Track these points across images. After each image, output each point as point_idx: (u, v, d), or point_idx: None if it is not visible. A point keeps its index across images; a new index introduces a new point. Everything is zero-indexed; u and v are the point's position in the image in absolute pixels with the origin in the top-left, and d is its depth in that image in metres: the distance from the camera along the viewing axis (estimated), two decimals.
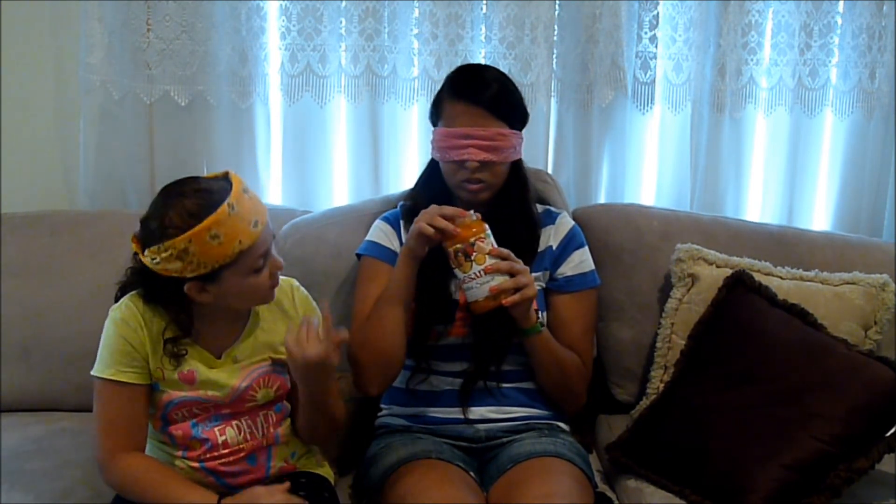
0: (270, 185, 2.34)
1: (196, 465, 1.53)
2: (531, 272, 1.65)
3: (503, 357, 1.76)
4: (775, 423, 1.68)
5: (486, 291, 1.58)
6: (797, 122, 2.38)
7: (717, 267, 1.98)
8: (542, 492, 1.54)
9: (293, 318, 1.58)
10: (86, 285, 2.02)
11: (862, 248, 2.14)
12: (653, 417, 1.87)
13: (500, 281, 1.58)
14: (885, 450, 1.64)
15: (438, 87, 1.79)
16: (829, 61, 2.34)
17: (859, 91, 2.34)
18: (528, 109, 1.78)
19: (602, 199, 2.37)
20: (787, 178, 2.42)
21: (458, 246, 1.59)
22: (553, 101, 2.31)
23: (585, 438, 1.94)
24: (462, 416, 1.75)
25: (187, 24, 2.15)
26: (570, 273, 1.80)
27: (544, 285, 1.80)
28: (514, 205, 1.78)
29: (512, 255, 1.61)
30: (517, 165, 1.78)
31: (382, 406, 1.85)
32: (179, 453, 1.54)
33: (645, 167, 2.41)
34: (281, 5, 2.19)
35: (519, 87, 1.77)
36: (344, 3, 2.20)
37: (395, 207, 1.88)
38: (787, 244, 2.12)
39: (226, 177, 1.45)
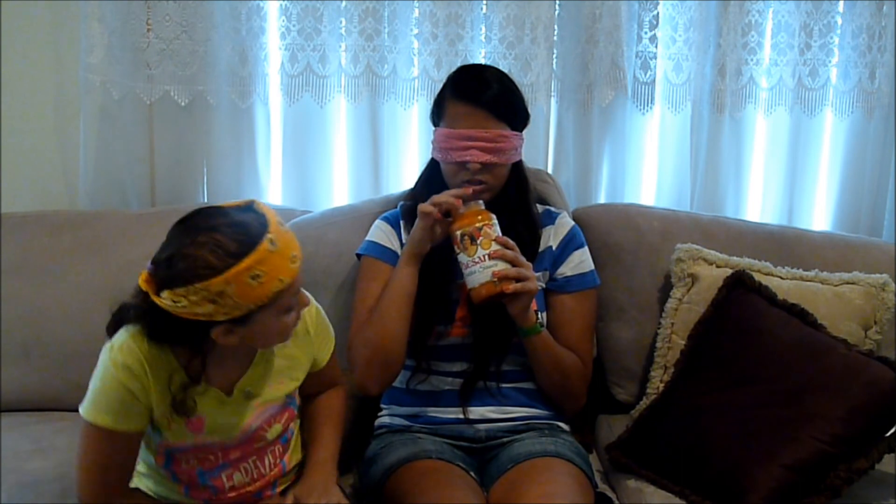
0: (270, 185, 2.34)
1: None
2: None
3: (503, 357, 1.76)
4: (775, 423, 1.68)
5: (489, 276, 1.58)
6: (797, 122, 2.39)
7: (717, 267, 1.98)
8: (542, 492, 1.54)
9: (305, 338, 1.49)
10: (86, 285, 2.02)
11: (862, 248, 2.14)
12: (653, 417, 1.87)
13: (503, 267, 1.58)
14: (885, 450, 1.64)
15: (438, 87, 1.79)
16: (829, 61, 2.34)
17: (859, 91, 2.35)
18: (529, 109, 1.78)
19: (602, 199, 2.37)
20: (786, 178, 2.42)
21: (466, 229, 1.60)
22: (553, 101, 2.31)
23: (585, 438, 1.94)
24: (462, 416, 1.75)
25: (187, 24, 2.15)
26: (569, 273, 1.80)
27: (544, 285, 1.80)
28: (515, 205, 1.77)
29: (517, 247, 1.62)
30: (518, 166, 1.78)
31: (382, 406, 1.85)
32: (182, 490, 1.46)
33: (645, 167, 2.41)
34: (281, 5, 2.19)
35: (519, 87, 1.77)
36: (344, 3, 2.20)
37: (395, 207, 1.88)
38: (787, 244, 2.12)
39: (251, 206, 1.30)
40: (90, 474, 1.37)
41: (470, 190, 1.66)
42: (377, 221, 1.85)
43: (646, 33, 2.29)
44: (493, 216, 1.63)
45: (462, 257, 1.61)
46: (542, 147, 2.31)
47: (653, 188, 2.42)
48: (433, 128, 1.77)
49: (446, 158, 1.71)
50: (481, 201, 1.64)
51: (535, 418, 1.78)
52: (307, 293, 1.42)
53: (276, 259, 1.24)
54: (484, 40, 2.25)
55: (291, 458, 1.55)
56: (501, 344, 1.75)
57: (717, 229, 2.12)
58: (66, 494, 1.66)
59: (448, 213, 1.63)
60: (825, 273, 2.01)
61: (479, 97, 1.69)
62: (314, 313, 1.52)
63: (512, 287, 1.58)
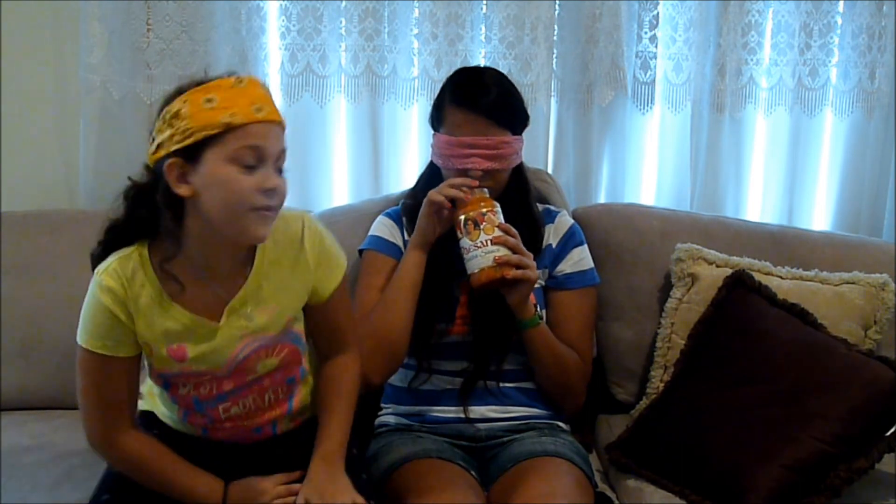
0: None
1: (199, 433, 1.49)
2: None
3: (504, 356, 1.76)
4: (775, 423, 1.68)
5: (490, 261, 1.59)
6: (797, 122, 2.39)
7: (717, 267, 1.98)
8: (541, 491, 1.54)
9: (304, 266, 1.43)
10: (86, 285, 1.99)
11: (862, 248, 2.14)
12: (653, 417, 1.87)
13: (504, 253, 1.59)
14: (885, 450, 1.64)
15: (438, 87, 1.78)
16: (829, 61, 2.34)
17: (859, 91, 2.35)
18: (529, 109, 1.78)
19: (602, 199, 2.37)
20: (786, 178, 2.42)
21: (470, 214, 1.61)
22: (553, 101, 2.31)
23: (585, 438, 1.94)
24: (463, 416, 1.75)
25: (187, 24, 2.15)
26: (568, 270, 1.80)
27: (544, 283, 1.80)
28: (516, 206, 1.77)
29: (519, 236, 1.62)
30: (518, 167, 1.78)
31: (383, 405, 1.85)
32: (180, 414, 1.48)
33: (645, 167, 2.41)
34: (281, 5, 2.19)
35: (519, 87, 1.77)
36: (344, 3, 2.20)
37: (397, 205, 1.89)
38: (787, 244, 2.12)
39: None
40: (89, 408, 1.39)
41: (477, 182, 1.66)
42: (380, 217, 1.86)
43: (646, 33, 2.29)
44: (497, 204, 1.64)
45: (464, 242, 1.61)
46: (542, 147, 2.31)
47: (653, 188, 2.42)
48: (433, 131, 1.77)
49: (447, 165, 1.71)
50: (486, 189, 1.65)
51: (535, 418, 1.78)
52: (314, 218, 1.42)
53: (235, 94, 1.27)
54: (484, 40, 2.25)
55: (299, 403, 1.52)
56: (502, 342, 1.75)
57: (717, 229, 2.12)
58: (62, 482, 1.68)
59: (454, 203, 1.64)
60: (825, 273, 2.01)
61: (479, 104, 1.68)
62: (317, 241, 1.46)
63: (512, 273, 1.59)
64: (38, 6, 2.20)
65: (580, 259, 1.82)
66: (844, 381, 1.69)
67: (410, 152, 2.34)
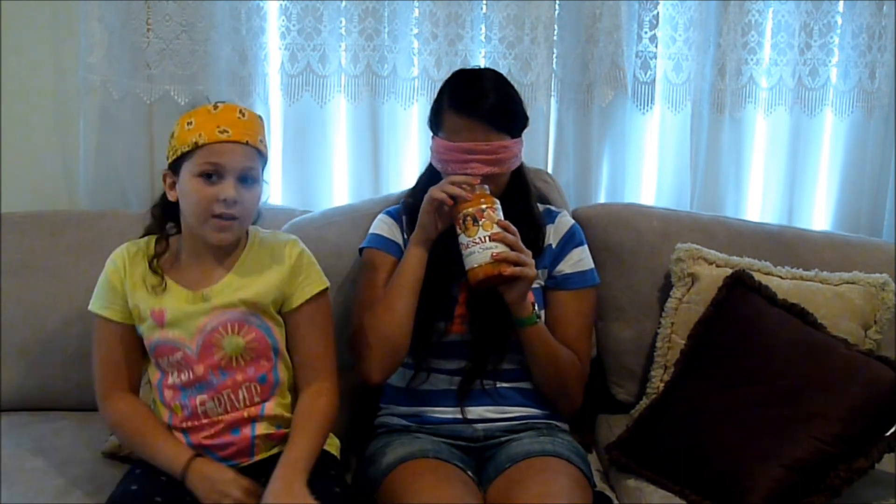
0: (270, 185, 2.33)
1: (184, 440, 1.57)
2: None
3: (502, 355, 1.76)
4: (775, 423, 1.68)
5: (489, 257, 1.58)
6: (797, 122, 2.39)
7: (717, 267, 1.98)
8: (539, 491, 1.54)
9: (280, 269, 1.58)
10: (86, 285, 1.99)
11: (862, 248, 2.14)
12: (653, 417, 1.87)
13: (503, 250, 1.59)
14: (885, 450, 1.64)
15: (438, 86, 1.78)
16: (829, 61, 2.34)
17: (859, 91, 2.34)
18: (528, 109, 1.78)
19: (602, 199, 2.37)
20: (786, 178, 2.42)
21: (469, 210, 1.60)
22: (553, 101, 2.31)
23: (585, 438, 1.94)
24: (460, 416, 1.75)
25: (187, 24, 2.15)
26: (568, 271, 1.80)
27: (543, 283, 1.80)
28: (517, 207, 1.77)
29: (518, 233, 1.62)
30: (518, 168, 1.77)
31: (381, 405, 1.85)
32: (167, 415, 1.58)
33: (645, 167, 2.41)
34: (281, 5, 2.19)
35: (519, 88, 1.77)
36: (344, 3, 2.20)
37: (397, 204, 1.89)
38: (787, 244, 2.12)
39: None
40: (99, 370, 1.60)
41: (478, 180, 1.65)
42: (380, 215, 1.86)
43: (646, 33, 2.29)
44: (497, 201, 1.63)
45: (463, 238, 1.61)
46: (542, 147, 2.31)
47: (653, 188, 2.42)
48: (432, 134, 1.77)
49: (447, 170, 1.70)
50: (486, 186, 1.65)
51: (533, 418, 1.78)
52: (296, 238, 1.63)
53: (207, 118, 1.50)
54: (484, 40, 2.25)
55: (275, 407, 1.59)
56: (500, 341, 1.74)
57: (717, 229, 2.12)
58: (65, 492, 1.66)
59: (455, 200, 1.64)
60: (825, 273, 2.01)
61: (478, 110, 1.67)
62: (298, 254, 1.61)
63: (509, 270, 1.58)
64: (38, 6, 2.21)
65: (580, 259, 1.82)
66: (844, 381, 1.69)
67: (410, 152, 2.34)
